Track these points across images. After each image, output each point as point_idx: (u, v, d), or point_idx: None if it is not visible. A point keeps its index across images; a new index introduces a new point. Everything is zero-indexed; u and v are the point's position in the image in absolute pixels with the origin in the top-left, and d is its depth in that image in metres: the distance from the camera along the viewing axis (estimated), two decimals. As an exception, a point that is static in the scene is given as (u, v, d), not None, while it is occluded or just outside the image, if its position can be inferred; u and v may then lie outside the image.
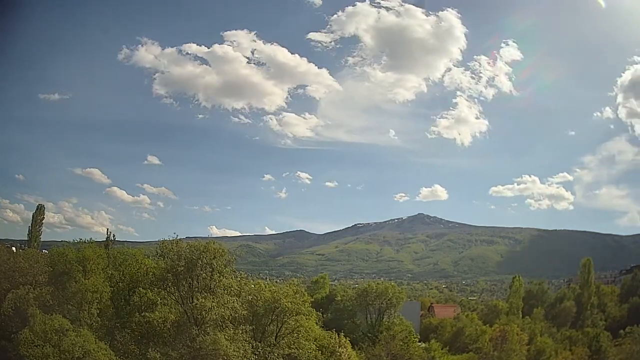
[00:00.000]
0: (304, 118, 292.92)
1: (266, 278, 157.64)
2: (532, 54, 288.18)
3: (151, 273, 34.63)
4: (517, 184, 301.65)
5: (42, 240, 72.17)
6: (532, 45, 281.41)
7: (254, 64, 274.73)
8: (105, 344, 29.05)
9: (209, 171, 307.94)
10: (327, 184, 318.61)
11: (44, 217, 71.87)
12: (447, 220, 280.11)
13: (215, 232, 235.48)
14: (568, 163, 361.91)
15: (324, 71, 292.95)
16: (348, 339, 40.96)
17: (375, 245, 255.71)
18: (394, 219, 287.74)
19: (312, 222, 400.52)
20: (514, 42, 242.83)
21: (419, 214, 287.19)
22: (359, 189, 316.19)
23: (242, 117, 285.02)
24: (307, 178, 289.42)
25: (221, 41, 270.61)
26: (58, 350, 26.51)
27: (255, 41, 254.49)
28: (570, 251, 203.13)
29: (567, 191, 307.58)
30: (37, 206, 73.25)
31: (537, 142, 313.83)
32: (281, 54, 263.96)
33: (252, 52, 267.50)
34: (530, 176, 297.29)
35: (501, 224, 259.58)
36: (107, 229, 59.09)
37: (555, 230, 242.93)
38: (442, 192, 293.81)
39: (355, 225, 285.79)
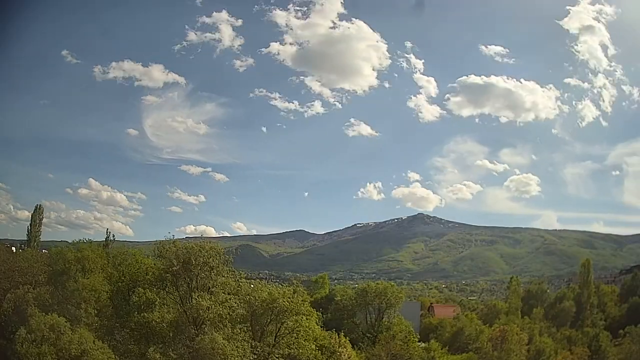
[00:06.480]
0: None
1: (266, 278, 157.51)
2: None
3: (150, 273, 34.63)
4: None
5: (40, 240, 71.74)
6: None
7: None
8: (104, 343, 28.99)
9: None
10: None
11: (43, 217, 71.31)
12: (447, 220, 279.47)
13: (211, 232, 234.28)
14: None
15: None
16: (348, 338, 41.04)
17: (375, 245, 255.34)
18: (393, 219, 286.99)
19: (312, 222, 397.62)
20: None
21: (418, 214, 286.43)
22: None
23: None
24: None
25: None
26: (55, 348, 26.50)
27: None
28: (570, 251, 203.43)
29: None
30: (36, 206, 72.10)
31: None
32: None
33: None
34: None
35: (501, 224, 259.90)
36: (107, 229, 59.11)
37: (555, 230, 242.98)
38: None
39: (355, 225, 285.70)
